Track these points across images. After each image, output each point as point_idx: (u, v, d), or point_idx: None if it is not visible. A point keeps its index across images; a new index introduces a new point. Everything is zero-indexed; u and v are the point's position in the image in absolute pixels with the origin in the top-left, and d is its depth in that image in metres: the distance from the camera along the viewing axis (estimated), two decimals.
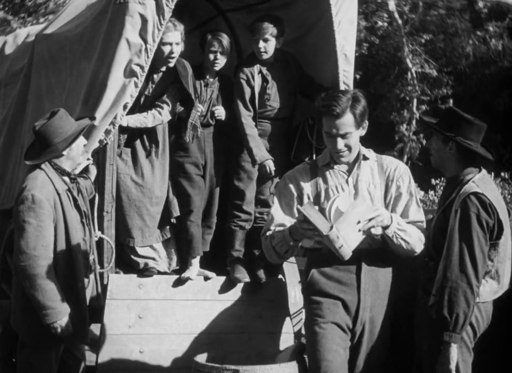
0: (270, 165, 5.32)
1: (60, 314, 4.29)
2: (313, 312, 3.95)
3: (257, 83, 5.42)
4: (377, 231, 3.87)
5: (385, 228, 3.84)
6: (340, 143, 3.92)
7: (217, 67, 5.45)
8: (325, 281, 3.95)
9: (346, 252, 3.73)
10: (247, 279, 5.33)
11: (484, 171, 4.13)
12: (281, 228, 3.95)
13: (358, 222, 3.72)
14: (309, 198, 4.00)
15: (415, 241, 3.93)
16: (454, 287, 3.84)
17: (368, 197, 3.98)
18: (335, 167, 4.04)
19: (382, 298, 3.95)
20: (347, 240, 3.71)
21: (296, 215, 3.86)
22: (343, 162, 4.02)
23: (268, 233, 4.00)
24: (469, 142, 4.07)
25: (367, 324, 3.93)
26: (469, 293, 3.84)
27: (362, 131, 4.00)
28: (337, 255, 3.75)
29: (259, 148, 5.32)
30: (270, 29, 5.36)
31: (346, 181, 4.01)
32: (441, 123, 4.14)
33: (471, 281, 3.85)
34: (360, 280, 3.92)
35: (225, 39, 5.42)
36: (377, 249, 3.95)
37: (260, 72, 5.45)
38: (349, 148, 3.96)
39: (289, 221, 3.96)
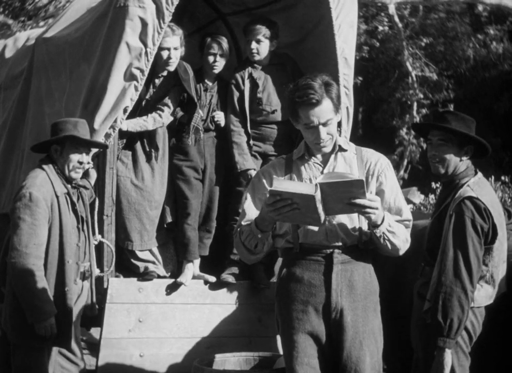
0: (252, 174, 5.33)
1: (46, 314, 4.28)
2: (284, 322, 3.74)
3: (247, 87, 5.43)
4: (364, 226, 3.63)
5: (374, 226, 3.57)
6: (323, 132, 3.64)
7: (216, 70, 5.45)
8: (294, 284, 3.71)
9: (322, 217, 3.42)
10: (231, 280, 5.28)
11: (479, 174, 4.07)
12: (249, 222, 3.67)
13: (349, 199, 3.39)
14: None
15: (401, 242, 3.67)
16: (448, 293, 3.80)
17: None
18: (310, 159, 3.77)
19: (359, 301, 3.67)
20: (328, 208, 3.37)
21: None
22: (325, 153, 3.74)
23: (238, 229, 3.72)
24: (485, 142, 4.02)
25: (346, 328, 3.64)
26: (463, 298, 3.80)
27: (339, 117, 3.72)
28: (313, 222, 3.46)
29: (243, 156, 5.38)
30: (263, 31, 5.38)
31: (322, 173, 3.70)
32: (456, 126, 3.98)
33: (466, 286, 3.81)
34: (331, 280, 3.66)
35: (224, 42, 5.43)
36: (352, 247, 3.69)
37: (250, 76, 5.45)
38: (332, 136, 3.69)
39: None
